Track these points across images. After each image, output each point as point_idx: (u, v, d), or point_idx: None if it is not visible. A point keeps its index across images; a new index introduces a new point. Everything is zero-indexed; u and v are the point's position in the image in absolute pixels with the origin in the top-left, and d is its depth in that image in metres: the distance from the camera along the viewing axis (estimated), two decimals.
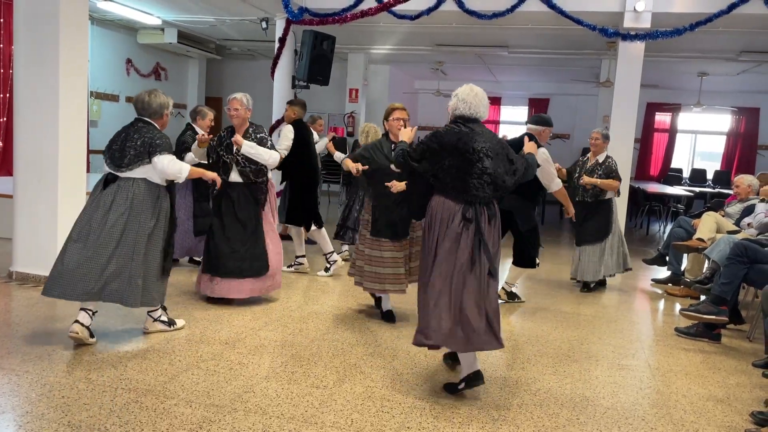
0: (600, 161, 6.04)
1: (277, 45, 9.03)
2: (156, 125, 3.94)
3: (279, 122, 8.91)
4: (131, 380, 3.37)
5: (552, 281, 6.52)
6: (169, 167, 3.78)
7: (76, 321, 3.79)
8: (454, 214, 3.31)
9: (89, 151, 9.99)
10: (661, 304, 6.05)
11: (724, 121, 14.68)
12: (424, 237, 3.45)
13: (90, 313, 3.84)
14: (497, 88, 15.46)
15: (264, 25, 9.33)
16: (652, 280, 6.84)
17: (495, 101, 15.95)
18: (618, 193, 6.25)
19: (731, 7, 7.24)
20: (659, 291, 6.48)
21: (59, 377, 3.32)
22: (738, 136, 14.52)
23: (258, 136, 4.76)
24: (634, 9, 7.71)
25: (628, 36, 7.90)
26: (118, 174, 3.80)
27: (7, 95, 9.19)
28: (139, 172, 3.79)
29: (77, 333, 3.75)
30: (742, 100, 14.13)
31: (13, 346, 3.74)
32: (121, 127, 4.00)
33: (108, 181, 3.82)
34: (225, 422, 2.92)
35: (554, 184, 5.18)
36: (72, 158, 5.28)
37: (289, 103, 6.39)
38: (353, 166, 4.44)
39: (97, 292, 3.72)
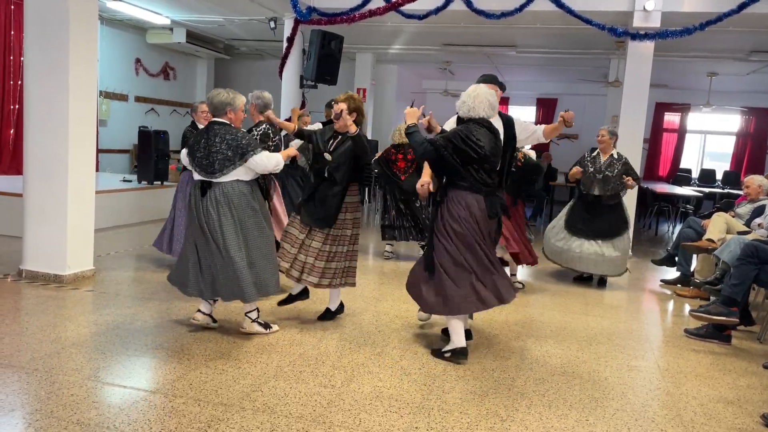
0: (615, 157, 6.18)
1: (285, 45, 9.05)
2: (230, 124, 3.96)
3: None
4: (140, 378, 3.38)
5: (559, 282, 6.50)
6: (269, 163, 3.94)
7: (199, 309, 4.18)
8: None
9: (98, 151, 10.06)
10: (671, 305, 6.01)
11: (733, 121, 14.60)
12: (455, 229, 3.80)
13: (211, 301, 4.16)
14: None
15: (272, 24, 9.35)
16: (661, 280, 6.80)
17: (503, 101, 15.78)
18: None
19: (741, 7, 7.19)
20: (668, 292, 6.44)
21: (68, 375, 3.34)
22: (747, 136, 14.44)
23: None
24: (644, 8, 7.67)
25: (638, 35, 7.86)
26: (211, 180, 3.90)
27: (19, 82, 9.20)
28: (231, 176, 3.88)
29: (199, 320, 4.15)
30: (751, 101, 14.05)
31: (23, 344, 3.76)
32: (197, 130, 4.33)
33: (204, 188, 3.92)
34: (233, 421, 2.93)
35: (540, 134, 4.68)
36: (81, 157, 5.30)
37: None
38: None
39: (218, 290, 3.98)
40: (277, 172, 4.12)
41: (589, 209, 6.21)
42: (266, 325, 4.20)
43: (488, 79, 4.43)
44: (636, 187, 6.31)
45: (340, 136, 4.37)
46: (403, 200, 6.86)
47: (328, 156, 4.31)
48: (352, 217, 4.41)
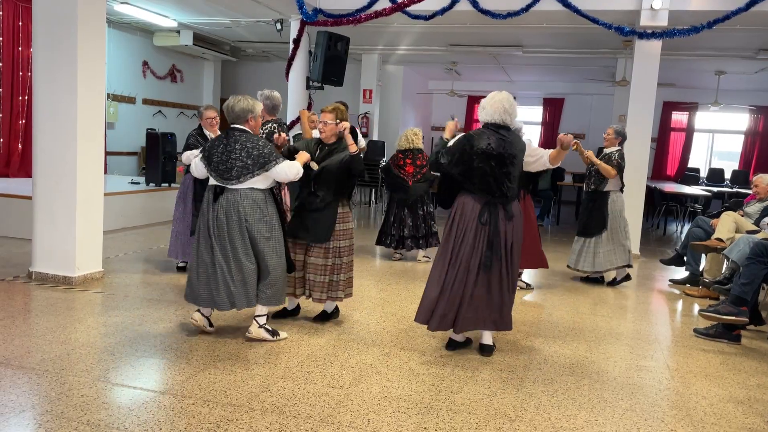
0: (607, 153, 6.21)
1: (291, 46, 9.07)
2: (250, 131, 3.96)
3: (293, 123, 8.94)
4: (149, 379, 3.39)
5: (567, 282, 6.48)
6: (290, 172, 3.92)
7: (198, 310, 4.10)
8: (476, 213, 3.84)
9: (106, 153, 10.11)
10: (679, 304, 5.98)
11: (741, 120, 14.52)
12: (448, 231, 3.93)
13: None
14: (511, 88, 15.39)
15: (278, 26, 9.37)
16: (670, 280, 6.78)
17: None
18: (621, 188, 6.24)
19: (749, 5, 7.16)
20: (677, 291, 6.41)
21: (78, 376, 3.36)
22: (756, 135, 14.35)
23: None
24: (651, 7, 7.64)
25: (645, 34, 7.83)
26: (225, 186, 3.89)
27: (26, 97, 9.33)
28: (247, 183, 3.87)
29: (196, 321, 4.07)
30: (760, 99, 13.97)
31: (33, 345, 3.78)
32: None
33: (217, 193, 3.93)
34: (242, 421, 2.93)
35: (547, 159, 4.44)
36: (89, 160, 5.33)
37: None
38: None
39: (224, 301, 3.92)
40: (297, 180, 4.04)
41: (582, 205, 6.56)
42: (274, 332, 4.09)
43: None
44: (619, 183, 6.17)
45: (326, 147, 4.36)
46: (409, 206, 6.87)
47: (314, 165, 4.28)
48: (345, 228, 4.38)
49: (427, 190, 6.99)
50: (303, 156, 4.17)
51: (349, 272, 4.48)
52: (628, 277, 6.39)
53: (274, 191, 4.11)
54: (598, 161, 6.06)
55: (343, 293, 4.44)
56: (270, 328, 4.10)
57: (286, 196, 5.21)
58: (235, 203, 3.86)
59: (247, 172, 3.83)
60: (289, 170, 3.91)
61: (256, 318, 4.06)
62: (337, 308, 4.67)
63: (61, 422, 2.83)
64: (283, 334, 4.15)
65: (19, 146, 9.39)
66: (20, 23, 9.25)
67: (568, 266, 6.45)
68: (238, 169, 3.82)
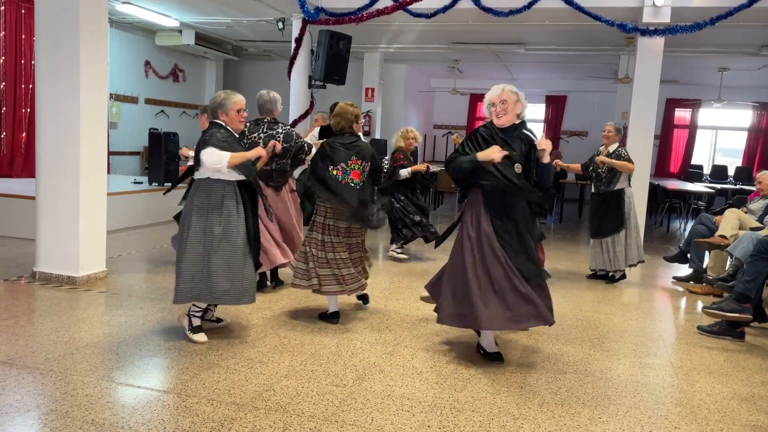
0: (611, 151, 6.19)
1: (293, 45, 9.07)
2: (222, 124, 3.95)
3: (296, 122, 8.95)
4: (153, 378, 3.40)
5: (571, 279, 6.47)
6: (207, 160, 3.75)
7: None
8: None
9: (109, 153, 10.12)
10: (683, 302, 5.98)
11: (745, 116, 14.47)
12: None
13: (212, 307, 4.22)
14: (514, 86, 15.38)
15: (280, 25, 9.38)
16: (674, 277, 6.76)
17: None
18: (629, 182, 6.24)
19: (752, 1, 7.14)
20: (680, 289, 6.40)
21: (82, 376, 3.36)
22: (760, 131, 14.31)
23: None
24: (653, 4, 7.63)
25: (648, 31, 7.82)
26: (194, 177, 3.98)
27: (28, 110, 9.34)
28: (202, 173, 3.87)
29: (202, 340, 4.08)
30: (763, 95, 13.92)
31: (37, 345, 3.79)
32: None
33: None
34: (246, 420, 2.94)
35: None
36: (92, 160, 5.34)
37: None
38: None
39: (187, 292, 3.90)
40: (222, 171, 3.78)
41: (592, 207, 6.45)
42: (196, 329, 4.00)
43: None
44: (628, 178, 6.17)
45: None
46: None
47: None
48: (318, 221, 4.42)
49: (393, 186, 6.83)
50: (257, 150, 3.99)
51: (327, 269, 4.38)
52: (623, 276, 6.40)
53: (252, 186, 3.95)
54: (612, 161, 5.96)
55: (317, 282, 4.37)
56: (196, 324, 4.01)
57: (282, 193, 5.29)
58: (192, 193, 3.93)
59: (196, 161, 3.86)
60: (206, 157, 3.74)
61: (194, 304, 3.99)
62: (337, 313, 4.58)
63: (66, 421, 2.84)
64: (201, 338, 3.98)
65: (22, 146, 9.41)
66: (23, 36, 9.24)
67: (595, 270, 6.44)
68: (194, 159, 3.90)
